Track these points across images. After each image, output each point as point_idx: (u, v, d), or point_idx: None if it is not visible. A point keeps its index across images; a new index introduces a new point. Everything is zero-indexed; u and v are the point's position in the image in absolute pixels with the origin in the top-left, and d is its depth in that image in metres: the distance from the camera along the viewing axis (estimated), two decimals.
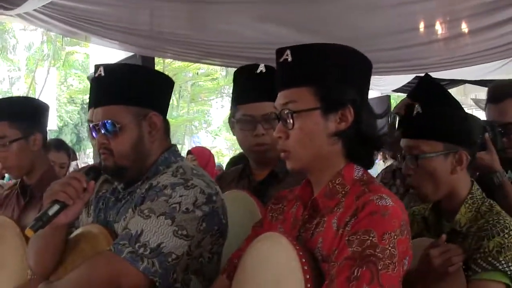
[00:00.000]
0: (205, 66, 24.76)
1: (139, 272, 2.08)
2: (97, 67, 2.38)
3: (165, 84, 2.55)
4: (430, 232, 2.48)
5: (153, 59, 8.95)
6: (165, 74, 2.67)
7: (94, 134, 2.40)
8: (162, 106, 2.50)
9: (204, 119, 36.71)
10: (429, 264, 2.19)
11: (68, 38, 13.14)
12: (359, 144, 1.97)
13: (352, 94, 1.94)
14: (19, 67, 30.68)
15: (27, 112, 3.25)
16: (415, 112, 2.42)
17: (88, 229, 2.43)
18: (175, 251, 2.14)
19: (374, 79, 11.37)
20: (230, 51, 7.55)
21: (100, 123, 2.33)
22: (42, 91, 25.89)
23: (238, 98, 2.93)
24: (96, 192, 2.53)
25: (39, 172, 3.26)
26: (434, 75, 9.57)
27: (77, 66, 29.15)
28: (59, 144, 5.39)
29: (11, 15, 5.01)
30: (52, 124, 23.01)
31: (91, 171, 2.33)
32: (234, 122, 2.91)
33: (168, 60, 19.89)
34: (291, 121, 1.93)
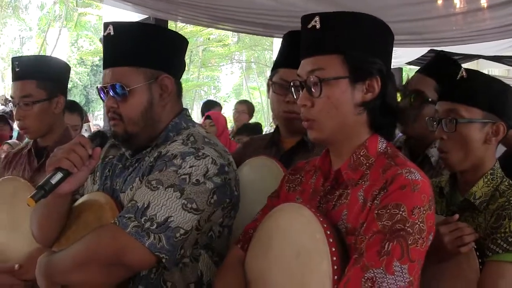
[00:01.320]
0: (217, 31, 24.71)
1: (144, 247, 1.96)
2: (106, 25, 2.25)
3: (179, 45, 2.41)
4: (443, 203, 2.45)
5: (167, 22, 8.91)
6: (178, 34, 2.49)
7: (103, 96, 2.28)
8: (175, 68, 2.35)
9: (214, 84, 36.72)
10: (439, 241, 2.13)
11: None
12: (384, 115, 1.93)
13: (379, 64, 1.90)
14: (30, 27, 30.67)
15: (55, 73, 3.19)
16: (459, 75, 2.36)
17: (93, 198, 2.31)
18: (184, 226, 2.02)
19: None
20: (242, 17, 7.49)
21: (109, 85, 2.20)
22: (53, 52, 25.91)
23: (279, 61, 2.84)
24: (103, 158, 2.42)
25: (56, 134, 3.20)
26: (447, 49, 9.52)
27: (89, 27, 29.11)
28: (73, 106, 5.21)
29: None
30: None
31: (97, 137, 2.21)
32: (270, 84, 2.84)
33: (180, 25, 19.82)
34: (319, 88, 1.88)
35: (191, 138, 2.19)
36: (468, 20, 6.80)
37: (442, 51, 3.15)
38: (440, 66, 3.00)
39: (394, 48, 1.97)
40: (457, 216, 2.19)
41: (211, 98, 33.77)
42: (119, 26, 2.24)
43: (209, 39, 29.41)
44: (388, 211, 1.69)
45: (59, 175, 2.03)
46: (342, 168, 1.91)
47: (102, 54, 2.35)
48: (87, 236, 2.02)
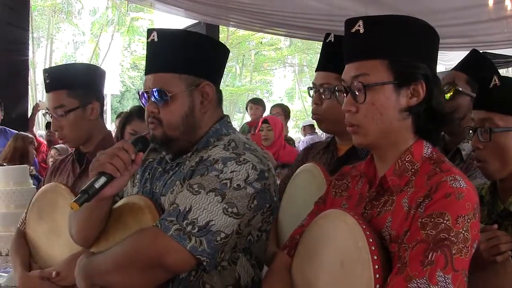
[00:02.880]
0: (269, 35, 24.65)
1: (186, 250, 1.97)
2: (150, 31, 2.27)
3: (220, 53, 2.41)
4: (484, 212, 2.36)
5: (218, 27, 8.96)
6: (220, 42, 2.51)
7: (144, 101, 2.29)
8: (216, 76, 2.36)
9: (266, 88, 36.58)
10: (475, 249, 2.14)
11: (133, 4, 13.21)
12: (429, 120, 1.89)
13: (424, 68, 1.86)
14: (83, 32, 31.08)
15: (85, 80, 3.15)
16: (492, 84, 2.31)
17: (133, 201, 2.31)
18: (224, 230, 2.03)
19: (439, 54, 11.22)
20: (293, 21, 7.51)
21: (151, 91, 2.22)
22: (105, 56, 26.18)
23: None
24: (143, 161, 2.40)
25: (96, 140, 3.17)
26: (500, 51, 9.39)
27: (141, 32, 29.34)
28: (142, 113, 5.10)
29: None
30: (115, 89, 23.30)
31: (139, 142, 2.21)
32: None
33: (232, 29, 19.86)
34: (363, 94, 1.85)
35: (232, 143, 2.19)
36: None
37: (475, 50, 3.14)
38: (473, 63, 3.02)
39: (446, 51, 1.97)
40: (496, 226, 2.15)
41: (264, 102, 33.83)
42: (162, 33, 2.26)
43: (261, 43, 29.38)
44: (432, 220, 1.67)
45: (102, 180, 2.04)
46: (387, 174, 1.88)
47: None
48: (129, 238, 2.05)
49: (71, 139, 3.14)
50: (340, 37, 2.58)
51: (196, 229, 1.99)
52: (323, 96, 2.67)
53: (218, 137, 2.27)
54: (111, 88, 24.24)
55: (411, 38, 1.87)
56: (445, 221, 1.65)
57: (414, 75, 1.85)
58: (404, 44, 1.86)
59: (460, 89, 2.94)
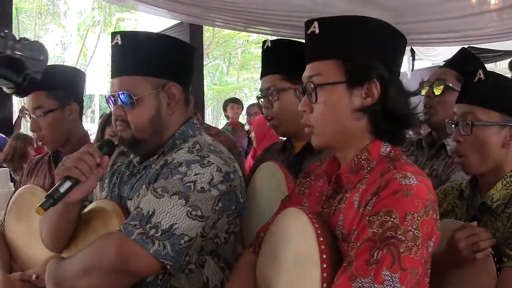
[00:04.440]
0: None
1: (149, 254, 1.98)
2: (113, 34, 2.29)
3: (186, 53, 2.42)
4: (464, 206, 2.40)
5: (201, 27, 8.96)
6: (185, 42, 2.51)
7: (111, 105, 2.31)
8: (182, 76, 2.38)
9: (254, 86, 36.68)
10: (455, 247, 2.11)
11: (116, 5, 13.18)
12: (386, 120, 1.88)
13: (379, 68, 1.86)
14: (71, 33, 31.06)
15: (64, 81, 3.16)
16: (477, 78, 2.32)
17: (101, 205, 2.34)
18: (188, 233, 2.04)
19: (425, 50, 11.25)
20: (277, 20, 7.49)
21: (117, 94, 2.23)
22: (92, 57, 26.18)
23: None
24: (111, 165, 2.46)
25: (74, 141, 3.19)
26: (487, 46, 9.42)
27: None
28: None
29: None
30: (103, 89, 23.27)
31: (105, 145, 2.24)
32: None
33: (217, 28, 19.87)
34: (315, 94, 1.87)
35: (196, 146, 2.21)
36: (504, 17, 6.74)
37: (464, 48, 3.21)
38: (462, 61, 3.06)
39: (432, 47, 1.94)
40: (475, 223, 2.15)
41: (252, 99, 33.85)
42: (126, 36, 2.28)
43: (247, 41, 29.43)
44: (380, 217, 1.65)
45: (67, 184, 2.05)
46: (342, 171, 1.90)
47: None
48: (94, 244, 2.06)
49: (49, 140, 3.15)
50: (277, 41, 2.76)
51: (160, 232, 2.00)
52: (271, 99, 2.71)
53: (184, 139, 2.30)
54: (98, 88, 24.26)
55: (365, 38, 1.86)
56: (392, 219, 1.63)
57: (367, 75, 1.85)
58: (358, 44, 1.86)
59: (450, 84, 2.98)
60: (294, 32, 7.36)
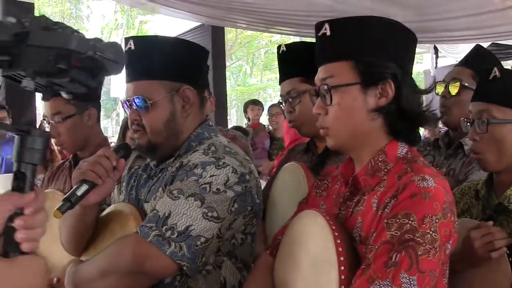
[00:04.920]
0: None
1: (165, 256, 2.00)
2: (127, 40, 2.30)
3: (199, 56, 2.45)
4: (479, 206, 2.39)
5: (223, 28, 8.97)
6: (198, 45, 2.50)
7: (126, 109, 2.35)
8: (196, 79, 2.38)
9: (278, 86, 36.56)
10: (470, 246, 2.10)
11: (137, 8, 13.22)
12: (401, 120, 1.88)
13: (392, 68, 1.85)
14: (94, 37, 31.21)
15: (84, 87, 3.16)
16: (492, 75, 2.31)
17: (119, 208, 2.37)
18: (204, 234, 2.05)
19: (449, 47, 11.19)
20: (298, 20, 7.48)
21: (132, 98, 2.26)
22: None
23: None
24: (129, 169, 2.49)
25: (93, 146, 3.22)
26: (509, 42, 9.35)
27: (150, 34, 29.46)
28: None
29: None
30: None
31: (121, 149, 2.25)
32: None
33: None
34: (329, 96, 1.87)
35: (212, 148, 2.22)
36: None
37: (478, 45, 3.19)
38: (477, 59, 3.02)
39: (455, 44, 1.92)
40: (491, 222, 2.14)
41: (276, 99, 33.78)
42: (139, 41, 2.29)
43: (270, 41, 29.39)
44: (398, 220, 1.65)
45: (84, 187, 2.07)
46: (359, 174, 1.89)
47: None
48: (111, 246, 2.08)
49: (68, 145, 3.22)
50: (291, 44, 2.79)
51: (176, 234, 2.02)
52: (293, 103, 2.73)
53: (200, 141, 2.31)
54: (123, 91, 24.34)
55: (378, 38, 1.86)
56: (410, 222, 1.63)
57: (381, 75, 1.84)
58: (370, 45, 1.85)
59: (466, 84, 2.96)
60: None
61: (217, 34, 8.94)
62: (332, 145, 1.93)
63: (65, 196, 2.07)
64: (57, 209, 2.01)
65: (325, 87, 1.86)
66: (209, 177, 2.10)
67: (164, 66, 2.27)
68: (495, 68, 2.31)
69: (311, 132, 2.74)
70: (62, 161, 3.51)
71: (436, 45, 10.95)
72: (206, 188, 2.08)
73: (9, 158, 7.01)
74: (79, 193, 2.06)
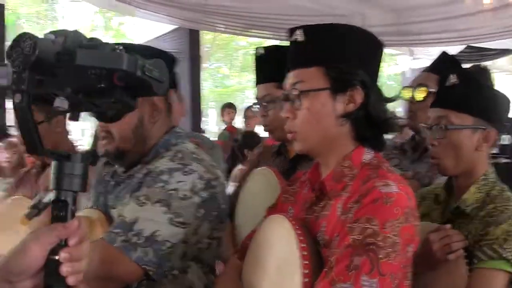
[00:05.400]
0: None
1: (131, 261, 2.01)
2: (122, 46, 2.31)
3: (167, 62, 2.39)
4: (438, 210, 2.44)
5: (198, 31, 8.97)
6: (164, 52, 2.50)
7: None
8: (164, 86, 2.36)
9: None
10: (429, 249, 2.13)
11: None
12: (368, 126, 1.91)
13: (361, 75, 1.88)
14: None
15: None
16: (450, 81, 2.34)
17: (87, 214, 2.34)
18: (170, 239, 2.07)
19: (424, 49, 11.25)
20: (276, 23, 7.49)
21: None
22: None
23: None
24: (97, 175, 2.49)
25: None
26: (483, 45, 9.44)
27: (127, 36, 29.29)
28: None
29: None
30: None
31: (90, 155, 2.22)
32: None
33: None
34: (299, 101, 1.89)
35: (179, 154, 2.24)
36: (499, 16, 6.76)
37: (444, 52, 3.25)
38: (443, 65, 3.05)
39: (429, 47, 1.95)
40: (449, 225, 2.19)
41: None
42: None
43: (249, 43, 29.22)
44: (360, 224, 1.67)
45: (51, 195, 2.07)
46: (325, 179, 1.91)
47: None
48: None
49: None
50: (270, 48, 2.80)
51: (143, 239, 2.03)
52: (267, 108, 2.75)
53: (167, 148, 2.31)
54: None
55: (349, 46, 1.89)
56: (372, 226, 1.65)
57: (350, 82, 1.86)
58: (341, 52, 1.88)
59: (432, 90, 2.98)
60: None
61: (194, 37, 8.94)
62: (300, 149, 1.95)
63: (32, 203, 2.07)
64: (24, 216, 2.00)
65: (295, 91, 1.89)
66: (176, 183, 2.12)
67: None
68: (453, 75, 2.35)
69: (284, 136, 2.74)
70: (28, 167, 3.50)
71: (411, 47, 11.02)
72: (172, 194, 2.10)
73: None
74: (45, 200, 2.06)
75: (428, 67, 3.30)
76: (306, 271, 1.71)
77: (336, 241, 1.73)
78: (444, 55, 3.20)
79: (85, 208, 2.44)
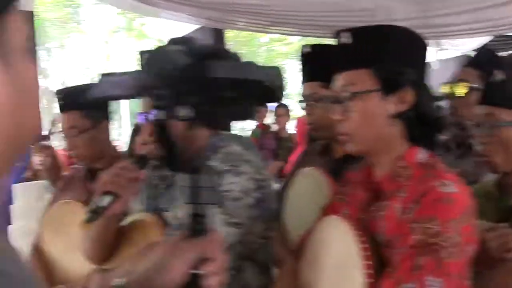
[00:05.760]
0: None
1: None
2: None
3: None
4: (491, 208, 2.38)
5: (221, 30, 8.98)
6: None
7: (143, 121, 2.38)
8: None
9: None
10: (485, 248, 2.08)
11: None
12: (420, 125, 1.93)
13: (411, 75, 1.90)
14: (94, 39, 31.27)
15: (98, 102, 3.20)
16: (496, 78, 2.33)
17: (140, 218, 2.44)
18: (227, 240, 2.08)
19: (451, 41, 11.13)
20: (299, 19, 7.44)
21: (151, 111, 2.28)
22: (117, 63, 26.35)
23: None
24: (147, 179, 2.50)
25: (108, 158, 3.24)
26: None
27: (152, 36, 29.56)
28: None
29: None
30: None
31: (140, 160, 2.29)
32: None
33: None
34: (350, 103, 1.91)
35: (228, 156, 2.27)
36: None
37: (486, 44, 3.25)
38: (484, 60, 3.07)
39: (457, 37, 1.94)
40: (505, 224, 2.16)
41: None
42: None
43: (271, 39, 29.39)
44: (422, 225, 1.69)
45: (107, 198, 2.11)
46: (382, 179, 1.93)
47: None
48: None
49: (84, 158, 3.26)
50: (316, 46, 2.79)
51: None
52: (313, 107, 2.75)
53: (215, 150, 2.32)
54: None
55: (396, 46, 1.91)
56: (434, 226, 1.67)
57: (400, 82, 1.88)
58: (388, 53, 1.90)
59: (473, 85, 2.99)
60: (318, 32, 7.30)
61: (218, 35, 8.94)
62: (354, 151, 1.97)
63: (88, 207, 2.12)
64: (84, 221, 2.06)
65: (346, 94, 1.90)
66: (228, 184, 2.15)
67: None
68: (499, 71, 2.33)
69: (327, 136, 2.74)
70: (71, 171, 3.55)
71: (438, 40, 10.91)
72: (224, 196, 2.13)
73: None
74: (103, 204, 2.10)
75: (468, 62, 3.25)
76: (369, 272, 1.72)
77: (397, 241, 1.75)
78: (485, 49, 3.16)
79: (138, 212, 2.49)
